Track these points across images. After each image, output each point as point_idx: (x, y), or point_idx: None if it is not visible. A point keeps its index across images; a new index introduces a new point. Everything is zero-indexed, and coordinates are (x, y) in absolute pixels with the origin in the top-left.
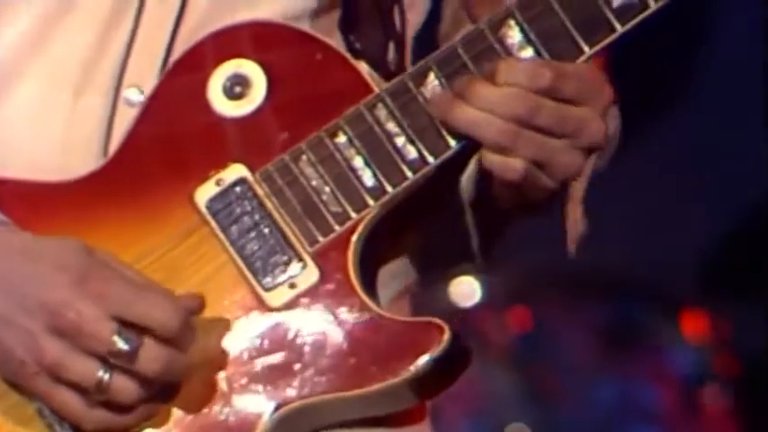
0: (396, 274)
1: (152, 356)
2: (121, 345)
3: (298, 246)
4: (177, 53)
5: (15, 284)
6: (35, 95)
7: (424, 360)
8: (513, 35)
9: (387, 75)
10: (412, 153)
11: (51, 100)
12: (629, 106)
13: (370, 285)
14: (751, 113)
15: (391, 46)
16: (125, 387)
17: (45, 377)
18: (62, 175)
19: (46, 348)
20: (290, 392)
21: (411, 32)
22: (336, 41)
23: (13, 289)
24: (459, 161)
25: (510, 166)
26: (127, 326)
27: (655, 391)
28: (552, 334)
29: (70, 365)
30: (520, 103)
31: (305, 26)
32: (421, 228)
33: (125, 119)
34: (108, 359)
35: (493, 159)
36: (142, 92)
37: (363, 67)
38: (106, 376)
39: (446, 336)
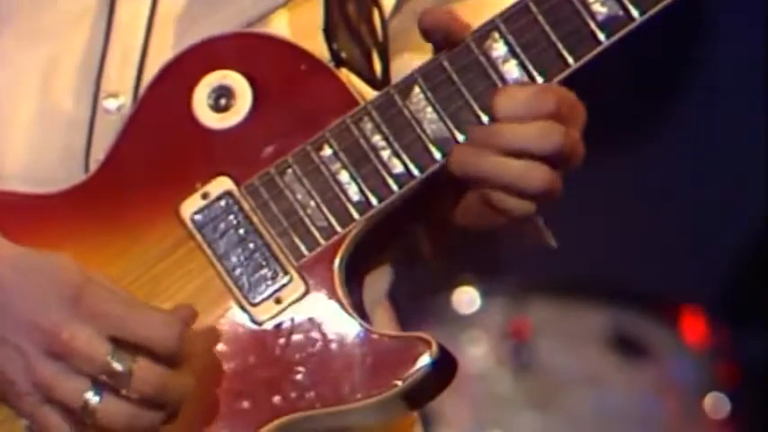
0: (375, 278)
1: (147, 377)
2: (116, 365)
3: (283, 260)
4: (152, 58)
5: (4, 300)
6: (4, 103)
7: (411, 374)
8: (498, 48)
9: (372, 84)
10: (398, 167)
11: (23, 108)
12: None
13: (356, 298)
14: (751, 114)
15: (374, 54)
16: (115, 410)
17: (34, 397)
18: (41, 184)
19: (38, 369)
20: (278, 407)
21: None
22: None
23: (2, 304)
24: (443, 174)
25: (524, 207)
26: (121, 345)
27: (655, 399)
28: (552, 343)
29: (60, 386)
30: (554, 137)
31: (282, 17)
32: (405, 239)
33: (105, 126)
34: (100, 380)
35: (509, 202)
36: (120, 99)
37: (348, 78)
38: (95, 399)
39: (433, 349)
